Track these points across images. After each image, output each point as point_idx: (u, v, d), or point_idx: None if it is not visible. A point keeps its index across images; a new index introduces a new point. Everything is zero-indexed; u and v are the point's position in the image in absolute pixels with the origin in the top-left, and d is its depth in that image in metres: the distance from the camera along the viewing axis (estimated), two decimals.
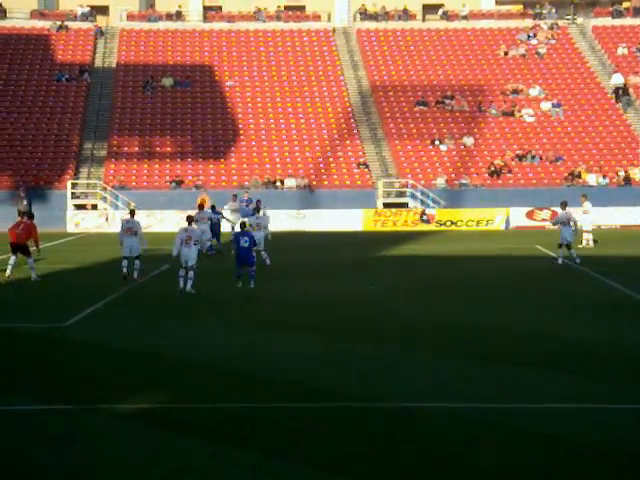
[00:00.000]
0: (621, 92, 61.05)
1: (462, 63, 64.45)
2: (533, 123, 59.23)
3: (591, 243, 38.78)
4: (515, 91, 61.53)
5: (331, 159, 55.95)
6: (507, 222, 51.15)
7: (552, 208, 50.09)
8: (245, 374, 15.97)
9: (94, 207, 52.17)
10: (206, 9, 71.91)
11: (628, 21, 68.70)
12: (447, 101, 60.29)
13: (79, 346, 18.68)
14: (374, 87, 62.14)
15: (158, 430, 12.81)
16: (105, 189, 52.53)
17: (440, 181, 54.01)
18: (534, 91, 61.46)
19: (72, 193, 51.94)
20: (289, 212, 50.17)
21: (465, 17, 68.88)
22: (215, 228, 36.45)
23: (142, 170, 55.19)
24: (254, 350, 18.06)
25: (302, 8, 72.20)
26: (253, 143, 57.37)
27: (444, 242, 42.32)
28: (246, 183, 53.08)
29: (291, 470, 11.21)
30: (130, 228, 28.13)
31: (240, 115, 59.58)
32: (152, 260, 30.91)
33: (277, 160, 56.01)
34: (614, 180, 54.45)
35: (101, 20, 69.28)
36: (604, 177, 54.35)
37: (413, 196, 53.18)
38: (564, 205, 33.07)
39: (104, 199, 52.30)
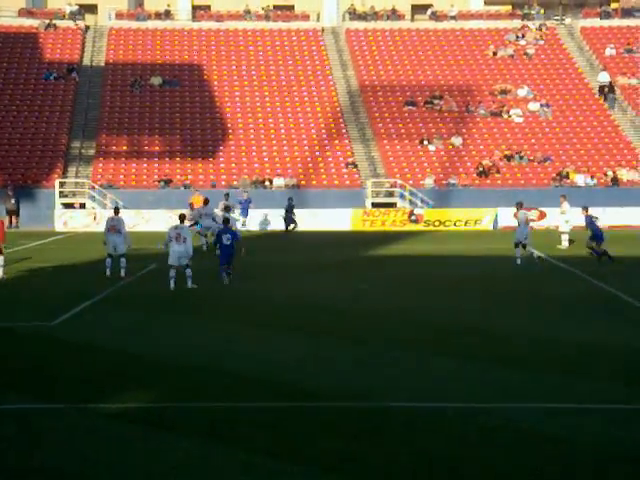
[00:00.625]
0: (607, 89, 61.27)
1: (451, 63, 64.54)
2: (521, 123, 59.34)
3: (565, 243, 38.55)
4: (503, 91, 61.64)
5: (320, 159, 55.96)
6: (495, 222, 51.24)
7: (540, 208, 50.25)
8: (234, 374, 15.95)
9: (82, 206, 52.08)
10: (195, 8, 71.83)
11: (616, 22, 68.89)
12: (436, 101, 60.35)
13: (66, 345, 18.63)
14: (363, 87, 62.17)
15: (147, 430, 12.78)
16: (93, 188, 52.42)
17: (429, 181, 54.06)
18: (522, 91, 61.58)
19: (60, 192, 51.83)
20: (278, 212, 50.10)
21: (454, 17, 68.96)
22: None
23: (130, 169, 55.10)
24: (241, 350, 18.06)
25: (291, 8, 72.21)
26: (242, 142, 57.34)
27: (432, 242, 42.37)
28: (235, 182, 53.08)
29: (283, 469, 11.21)
30: (114, 226, 28.17)
31: (229, 114, 59.53)
32: (139, 259, 30.87)
33: (266, 159, 55.99)
34: (602, 181, 54.59)
35: (90, 19, 69.14)
36: (592, 178, 54.48)
37: (402, 196, 53.24)
38: (520, 205, 33.69)
39: (92, 198, 52.20)
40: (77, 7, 67.86)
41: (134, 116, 59.19)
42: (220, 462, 11.47)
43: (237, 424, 13.02)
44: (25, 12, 67.93)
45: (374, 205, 52.73)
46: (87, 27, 67.11)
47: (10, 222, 50.88)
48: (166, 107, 60.03)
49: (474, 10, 71.85)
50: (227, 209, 37.16)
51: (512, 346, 18.49)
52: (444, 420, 13.20)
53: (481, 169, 54.82)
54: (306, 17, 69.82)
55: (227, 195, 42.02)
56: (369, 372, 16.14)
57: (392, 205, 52.76)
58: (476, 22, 68.78)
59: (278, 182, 53.66)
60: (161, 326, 20.74)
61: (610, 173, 54.67)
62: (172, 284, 25.61)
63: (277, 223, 49.64)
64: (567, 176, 54.44)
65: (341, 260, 34.26)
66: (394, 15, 69.08)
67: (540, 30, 67.67)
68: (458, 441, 12.25)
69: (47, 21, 65.96)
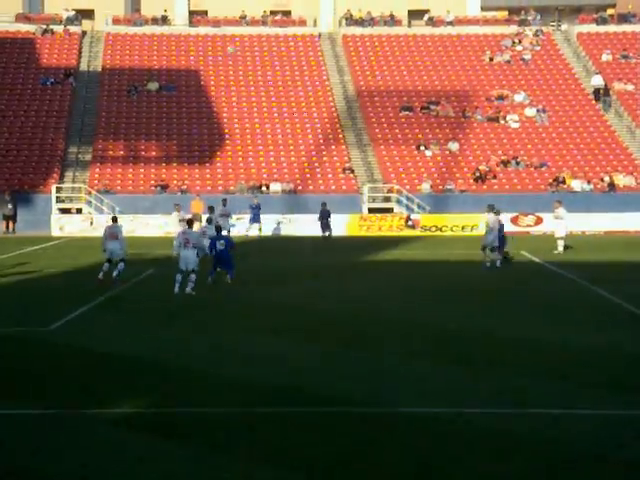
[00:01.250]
0: (601, 92, 61.41)
1: (447, 69, 64.61)
2: (518, 129, 59.40)
3: (560, 249, 38.43)
4: (500, 97, 61.71)
5: (317, 164, 55.96)
6: None
7: (537, 214, 50.28)
8: (231, 379, 15.93)
9: (79, 211, 52.04)
10: (192, 14, 71.94)
11: (612, 28, 69.04)
12: (432, 107, 60.42)
13: (63, 350, 18.59)
14: (360, 92, 62.21)
15: (143, 436, 12.75)
16: (90, 193, 52.39)
17: (425, 186, 54.09)
18: (519, 97, 61.66)
19: (57, 197, 51.78)
20: (275, 217, 50.10)
21: (450, 23, 69.07)
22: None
23: (127, 174, 55.08)
24: (241, 356, 18.02)
25: (288, 13, 72.30)
26: (238, 147, 57.34)
27: (429, 247, 42.36)
28: (232, 187, 53.07)
29: (283, 477, 11.17)
30: (112, 233, 28.36)
31: (225, 120, 59.55)
32: (137, 264, 30.82)
33: (263, 165, 55.99)
34: (598, 186, 54.63)
35: (86, 24, 69.18)
36: (588, 183, 54.52)
37: (398, 201, 53.24)
38: (492, 208, 33.77)
39: (89, 203, 52.16)
40: (74, 12, 67.89)
41: (131, 121, 59.17)
42: (219, 470, 11.43)
43: (235, 430, 12.98)
44: (22, 17, 67.95)
45: (371, 210, 52.72)
46: (84, 32, 67.14)
47: (7, 227, 50.87)
48: (163, 112, 60.04)
49: (471, 16, 71.97)
50: (221, 217, 37.02)
51: (510, 351, 18.48)
52: (441, 425, 13.18)
53: (478, 174, 54.84)
54: (303, 22, 69.88)
55: (225, 201, 41.89)
56: (370, 378, 16.11)
57: (389, 210, 52.76)
58: (473, 28, 68.90)
59: (275, 187, 53.65)
60: (159, 331, 20.69)
61: (607, 178, 54.73)
62: (176, 288, 25.80)
63: (274, 228, 49.70)
64: (564, 181, 54.48)
65: (338, 265, 34.23)
66: (391, 21, 69.18)
67: (536, 36, 67.80)
68: (455, 446, 12.24)
69: (44, 26, 66.00)
